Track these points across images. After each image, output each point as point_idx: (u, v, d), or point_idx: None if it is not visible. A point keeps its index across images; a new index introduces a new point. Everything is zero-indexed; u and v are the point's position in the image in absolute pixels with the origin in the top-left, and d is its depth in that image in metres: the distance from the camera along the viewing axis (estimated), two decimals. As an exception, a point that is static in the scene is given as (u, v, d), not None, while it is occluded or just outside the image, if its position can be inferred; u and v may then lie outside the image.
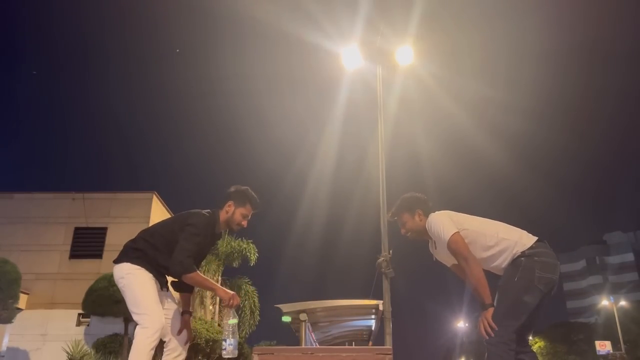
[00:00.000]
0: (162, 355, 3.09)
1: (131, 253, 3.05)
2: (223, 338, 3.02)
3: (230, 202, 3.18)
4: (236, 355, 3.03)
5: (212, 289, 3.09)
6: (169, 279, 3.17)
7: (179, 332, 3.09)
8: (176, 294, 3.34)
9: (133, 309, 2.93)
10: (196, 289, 3.27)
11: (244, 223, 3.21)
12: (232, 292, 3.00)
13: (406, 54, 11.15)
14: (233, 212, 3.17)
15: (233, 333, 2.99)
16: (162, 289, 3.10)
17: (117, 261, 3.07)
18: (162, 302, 3.07)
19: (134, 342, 2.82)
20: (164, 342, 3.10)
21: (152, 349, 2.81)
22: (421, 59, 12.39)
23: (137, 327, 2.85)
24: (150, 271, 3.01)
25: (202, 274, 3.01)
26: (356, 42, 11.58)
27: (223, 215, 3.18)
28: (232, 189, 3.23)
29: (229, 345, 2.97)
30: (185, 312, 3.20)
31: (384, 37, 11.35)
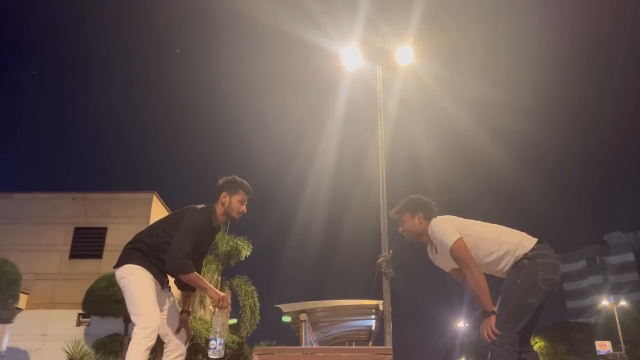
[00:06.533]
0: (162, 355, 3.10)
1: (131, 253, 3.06)
2: (212, 337, 3.00)
3: (224, 193, 3.21)
4: (222, 356, 3.00)
5: (203, 289, 3.03)
6: (171, 277, 3.18)
7: (177, 331, 3.11)
8: (177, 292, 3.34)
9: (131, 309, 2.94)
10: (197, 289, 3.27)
11: (243, 208, 3.24)
12: (222, 294, 3.00)
13: (406, 54, 11.17)
14: (229, 202, 3.20)
15: (220, 333, 2.97)
16: (162, 289, 3.10)
17: (118, 264, 3.07)
18: (162, 301, 3.08)
19: (131, 342, 2.83)
20: (164, 342, 3.11)
21: (147, 349, 2.81)
22: (421, 59, 12.40)
23: (135, 327, 2.86)
24: (151, 271, 3.02)
25: (197, 273, 3.00)
26: (356, 42, 11.61)
27: (220, 207, 3.21)
28: (221, 180, 3.26)
29: (219, 345, 2.96)
30: (184, 312, 3.22)
31: (384, 37, 11.38)
